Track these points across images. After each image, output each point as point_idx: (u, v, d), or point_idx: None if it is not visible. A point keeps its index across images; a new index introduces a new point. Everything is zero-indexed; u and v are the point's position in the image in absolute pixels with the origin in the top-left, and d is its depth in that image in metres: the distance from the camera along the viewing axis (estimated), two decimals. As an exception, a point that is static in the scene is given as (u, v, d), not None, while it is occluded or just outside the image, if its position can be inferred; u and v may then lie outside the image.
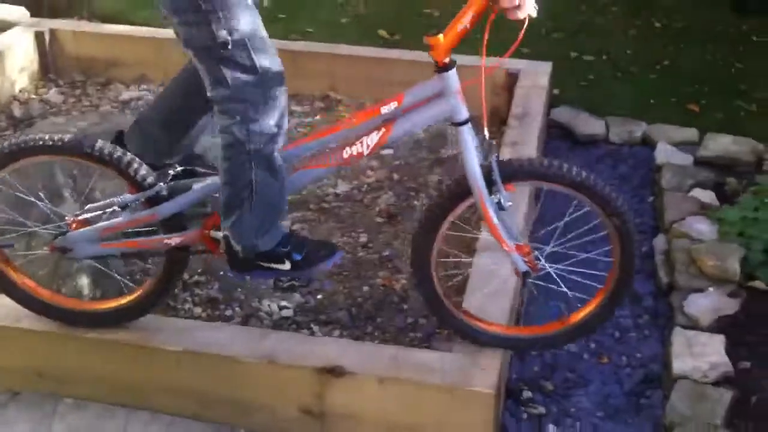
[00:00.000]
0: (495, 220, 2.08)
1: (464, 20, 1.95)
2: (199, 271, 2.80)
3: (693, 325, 2.57)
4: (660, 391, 2.44)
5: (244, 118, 1.96)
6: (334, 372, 2.14)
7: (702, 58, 4.89)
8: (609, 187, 2.14)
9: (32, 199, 2.27)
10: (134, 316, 2.30)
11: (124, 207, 2.12)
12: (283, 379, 2.19)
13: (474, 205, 2.12)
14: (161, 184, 2.11)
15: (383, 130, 2.08)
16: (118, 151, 2.09)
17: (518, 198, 2.61)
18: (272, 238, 2.11)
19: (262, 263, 2.14)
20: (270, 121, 1.98)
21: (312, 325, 2.60)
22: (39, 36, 4.17)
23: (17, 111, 3.85)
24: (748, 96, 4.45)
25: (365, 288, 2.79)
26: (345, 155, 2.10)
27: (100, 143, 2.10)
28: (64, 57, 4.24)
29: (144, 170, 2.11)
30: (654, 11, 5.45)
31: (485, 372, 2.12)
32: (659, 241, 3.01)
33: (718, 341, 2.49)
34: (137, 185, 2.11)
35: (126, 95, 4.09)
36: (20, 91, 4.03)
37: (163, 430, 2.27)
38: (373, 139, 2.08)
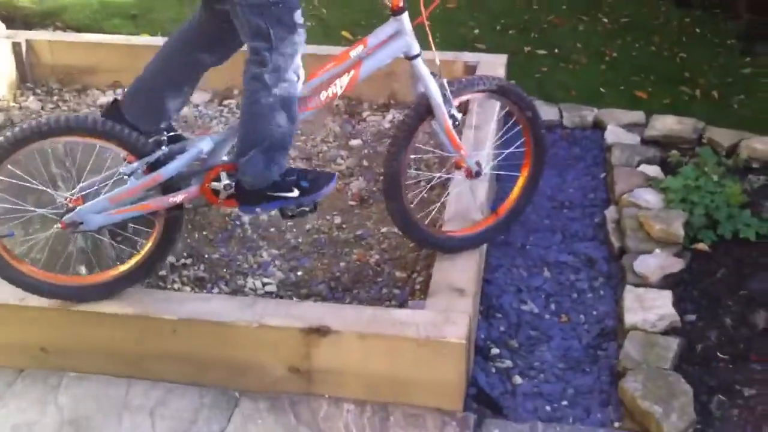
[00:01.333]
0: (452, 129, 2.54)
1: None
2: (185, 254, 2.99)
3: (642, 282, 2.82)
4: (615, 344, 2.67)
5: (276, 67, 2.26)
6: (320, 331, 2.35)
7: (647, 50, 5.18)
8: (522, 90, 2.73)
9: (36, 184, 2.45)
10: (139, 279, 2.53)
11: (130, 174, 2.32)
12: (273, 341, 2.39)
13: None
14: (163, 148, 2.35)
15: (353, 71, 2.46)
16: (117, 125, 2.32)
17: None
18: (280, 169, 2.41)
19: (272, 194, 2.45)
20: (293, 72, 2.30)
21: (294, 298, 2.80)
22: (16, 46, 4.30)
23: (-3, 118, 3.99)
24: (693, 82, 4.74)
25: (342, 264, 3.00)
26: (322, 98, 2.47)
27: (102, 120, 2.32)
28: (41, 66, 4.37)
29: (142, 139, 2.35)
30: (600, 8, 5.75)
31: (456, 324, 2.34)
32: (610, 212, 3.26)
33: (666, 296, 2.74)
34: (138, 153, 2.33)
35: (103, 100, 4.23)
36: (-1, 99, 4.17)
37: (163, 395, 2.45)
38: (344, 80, 2.46)
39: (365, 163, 3.62)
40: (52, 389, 2.47)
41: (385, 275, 2.93)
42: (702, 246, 3.04)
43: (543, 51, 4.99)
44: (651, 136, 3.79)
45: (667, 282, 2.82)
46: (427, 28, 2.47)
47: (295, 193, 2.47)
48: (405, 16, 2.44)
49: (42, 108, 4.15)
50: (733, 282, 2.90)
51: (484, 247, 2.89)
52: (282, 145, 2.39)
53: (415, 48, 2.48)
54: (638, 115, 4.03)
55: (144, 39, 4.55)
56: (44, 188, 2.46)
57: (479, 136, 3.16)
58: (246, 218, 3.22)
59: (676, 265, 2.88)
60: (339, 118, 3.97)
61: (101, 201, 2.36)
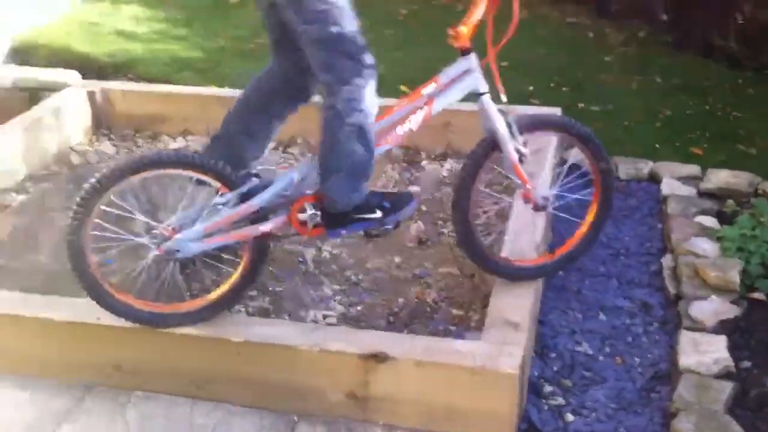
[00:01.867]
0: (518, 163, 2.67)
1: (477, 14, 2.54)
2: (249, 287, 3.11)
3: (698, 327, 2.84)
4: (668, 387, 2.68)
5: (347, 98, 2.43)
6: (378, 357, 2.42)
7: (701, 109, 5.24)
8: (595, 136, 2.86)
9: (136, 214, 2.61)
10: (226, 306, 2.67)
11: (225, 204, 2.49)
12: (332, 365, 2.46)
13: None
14: (254, 180, 2.55)
15: (425, 107, 2.64)
16: (214, 160, 2.50)
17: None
18: (361, 195, 2.57)
19: (356, 216, 2.61)
20: (364, 103, 2.44)
21: (353, 330, 2.89)
22: (91, 95, 4.54)
23: (75, 159, 4.19)
24: (748, 140, 4.78)
25: (400, 300, 3.08)
26: (399, 133, 2.65)
27: (200, 154, 2.53)
28: (115, 114, 4.59)
29: (235, 173, 2.53)
30: (652, 69, 5.85)
31: (510, 356, 2.39)
32: (667, 260, 3.30)
33: (721, 341, 2.75)
34: (231, 185, 2.50)
35: (173, 145, 4.44)
36: (76, 144, 4.38)
37: (225, 416, 2.54)
38: (419, 116, 2.63)
39: (424, 207, 3.71)
40: (121, 406, 2.58)
41: (442, 312, 3.00)
42: (758, 295, 3.05)
43: (596, 107, 5.08)
44: (707, 189, 3.83)
45: (723, 328, 2.84)
46: (494, 68, 2.61)
47: (378, 214, 2.64)
48: (473, 55, 2.62)
49: (117, 152, 4.36)
50: (790, 331, 2.90)
51: (540, 285, 2.95)
52: (362, 172, 2.54)
53: (483, 85, 2.65)
54: (694, 169, 4.08)
55: (212, 90, 4.76)
56: (144, 218, 2.60)
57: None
58: (309, 255, 3.33)
59: (732, 311, 2.90)
60: (398, 166, 4.09)
61: (197, 230, 2.51)
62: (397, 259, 3.34)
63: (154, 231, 2.53)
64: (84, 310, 2.60)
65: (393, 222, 2.68)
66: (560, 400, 2.63)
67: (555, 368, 2.78)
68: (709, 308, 2.89)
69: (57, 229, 3.38)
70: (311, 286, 3.16)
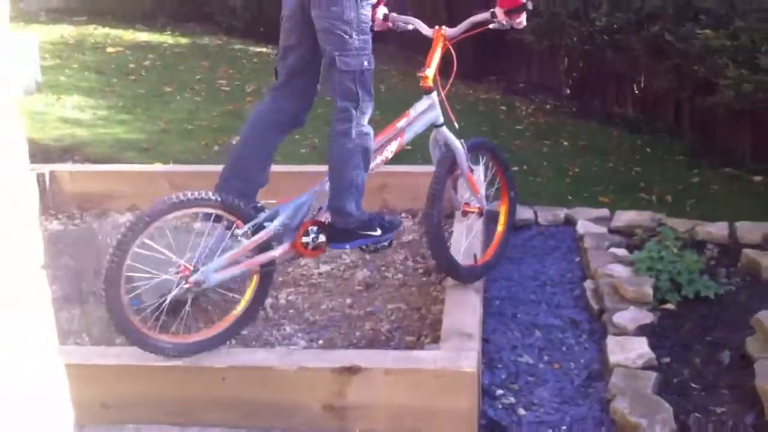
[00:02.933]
0: (471, 175, 3.38)
1: (435, 59, 3.17)
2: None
3: (621, 332, 3.25)
4: (602, 383, 3.06)
5: (359, 123, 2.86)
6: (351, 370, 2.73)
7: (606, 167, 5.84)
8: (510, 167, 3.72)
9: (166, 254, 2.79)
10: (239, 330, 2.97)
11: (242, 235, 2.80)
12: (310, 381, 2.75)
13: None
14: (265, 211, 2.86)
15: (399, 138, 3.15)
16: (232, 198, 2.81)
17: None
18: (364, 212, 3.00)
19: (360, 232, 2.99)
20: (368, 127, 2.92)
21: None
22: (40, 177, 4.76)
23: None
24: (649, 190, 5.36)
25: (357, 333, 3.39)
26: (378, 161, 3.09)
27: (221, 194, 2.80)
28: (63, 194, 4.80)
29: (248, 207, 2.85)
30: (560, 134, 6.46)
31: (467, 359, 2.73)
32: (588, 283, 3.73)
33: (642, 341, 3.17)
34: (245, 218, 2.81)
35: (122, 220, 4.69)
36: (25, 224, 4.59)
37: (212, 438, 2.78)
38: (393, 146, 3.13)
39: (367, 257, 4.07)
40: (113, 439, 2.79)
41: (396, 340, 3.32)
42: (669, 306, 3.49)
43: (513, 167, 5.57)
44: (616, 227, 4.32)
45: (642, 331, 3.26)
46: (446, 104, 3.26)
47: (378, 231, 3.03)
48: (434, 94, 3.19)
49: (64, 229, 4.56)
50: (699, 332, 3.34)
51: (481, 301, 3.34)
52: (361, 190, 2.94)
53: (441, 118, 3.25)
54: (604, 212, 4.58)
55: (156, 167, 5.06)
56: (174, 256, 2.80)
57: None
58: (267, 302, 3.63)
59: (649, 318, 3.33)
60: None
61: (220, 260, 2.78)
62: (348, 301, 3.67)
63: (179, 266, 2.75)
64: (75, 352, 2.83)
65: (388, 240, 3.08)
66: (512, 399, 2.98)
67: (503, 376, 3.13)
68: (629, 316, 3.32)
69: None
70: (273, 328, 3.45)
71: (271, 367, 2.77)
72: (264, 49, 8.66)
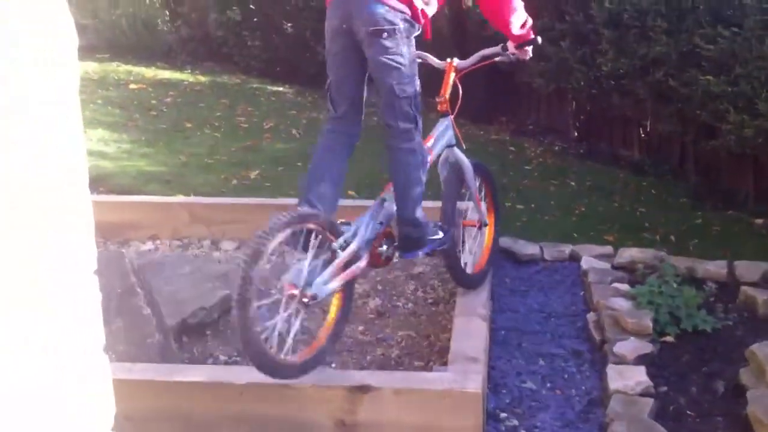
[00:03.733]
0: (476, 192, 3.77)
1: (449, 87, 3.59)
2: (235, 353, 3.55)
3: (621, 361, 3.40)
4: (602, 409, 3.21)
5: (418, 141, 3.24)
6: (362, 389, 2.89)
7: (611, 207, 5.99)
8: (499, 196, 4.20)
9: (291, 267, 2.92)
10: (333, 345, 3.13)
11: (339, 248, 3.01)
12: (324, 398, 2.91)
13: None
14: (349, 227, 3.10)
15: (429, 155, 3.43)
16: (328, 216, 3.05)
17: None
18: (426, 220, 3.31)
19: (429, 238, 3.31)
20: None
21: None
22: (65, 207, 4.98)
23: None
24: (653, 230, 5.50)
25: (368, 357, 3.56)
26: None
27: (322, 212, 3.01)
28: (87, 223, 5.03)
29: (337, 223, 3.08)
30: (567, 175, 6.64)
31: (473, 380, 2.89)
32: (591, 316, 3.88)
33: (641, 370, 3.32)
34: (336, 233, 3.02)
35: (143, 248, 4.89)
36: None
37: (230, 451, 2.93)
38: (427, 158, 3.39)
39: (379, 287, 4.24)
40: (135, 450, 2.94)
41: (406, 364, 3.48)
42: (668, 338, 3.64)
43: (521, 206, 5.77)
44: (619, 263, 4.48)
45: (642, 361, 3.40)
46: (455, 127, 3.68)
47: (440, 234, 3.38)
48: (450, 117, 3.63)
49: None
50: (696, 363, 3.49)
51: (487, 329, 3.50)
52: (422, 199, 3.25)
53: (454, 139, 3.65)
54: (608, 249, 4.73)
55: (177, 198, 5.26)
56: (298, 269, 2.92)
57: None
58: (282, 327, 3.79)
59: (648, 348, 3.48)
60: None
61: (326, 275, 2.96)
62: (361, 327, 3.84)
63: (281, 287, 2.88)
64: (105, 363, 2.99)
65: (448, 241, 3.43)
66: (515, 422, 3.12)
67: (507, 401, 3.28)
68: (630, 346, 3.47)
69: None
70: (288, 352, 3.61)
71: (287, 385, 2.93)
72: (281, 89, 8.91)
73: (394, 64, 3.07)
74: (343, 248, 3.03)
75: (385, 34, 3.01)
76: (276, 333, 2.82)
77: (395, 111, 3.15)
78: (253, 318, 2.71)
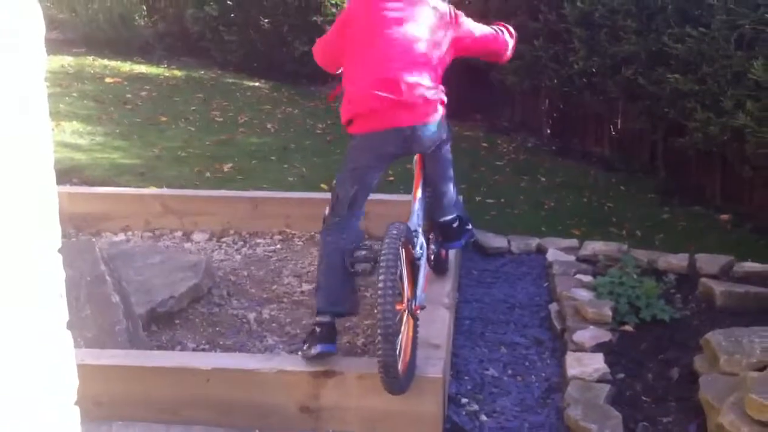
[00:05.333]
0: None
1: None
2: (203, 341, 3.61)
3: (580, 349, 3.49)
4: (560, 394, 3.30)
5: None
6: (327, 374, 2.96)
7: (580, 202, 6.09)
8: None
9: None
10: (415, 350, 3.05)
11: (419, 258, 3.17)
12: (290, 383, 2.98)
13: None
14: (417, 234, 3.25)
15: None
16: None
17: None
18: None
19: (465, 228, 3.63)
20: None
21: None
22: (38, 197, 5.00)
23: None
24: (619, 225, 5.61)
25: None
26: None
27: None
28: (60, 214, 5.04)
29: None
30: (538, 171, 6.74)
31: (434, 366, 2.97)
32: (553, 306, 3.98)
33: (599, 357, 3.41)
34: (412, 244, 3.12)
35: (115, 239, 4.93)
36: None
37: (195, 435, 2.99)
38: None
39: (348, 278, 4.31)
40: (103, 433, 3.00)
41: (371, 352, 3.55)
42: (627, 327, 3.74)
43: (491, 200, 5.86)
44: (584, 256, 4.58)
45: (600, 348, 3.50)
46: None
47: (470, 225, 3.67)
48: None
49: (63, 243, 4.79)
50: (653, 352, 3.59)
51: (450, 317, 3.57)
52: None
53: None
54: (573, 242, 4.84)
55: (150, 190, 5.30)
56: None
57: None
58: (251, 317, 3.86)
59: (607, 336, 3.58)
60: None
61: (420, 285, 3.11)
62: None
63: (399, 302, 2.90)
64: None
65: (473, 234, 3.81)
66: (475, 407, 3.21)
67: (468, 387, 3.36)
68: (589, 335, 3.56)
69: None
70: (256, 340, 3.68)
71: (252, 370, 2.99)
72: (257, 84, 8.95)
73: (441, 142, 3.38)
74: (419, 258, 3.15)
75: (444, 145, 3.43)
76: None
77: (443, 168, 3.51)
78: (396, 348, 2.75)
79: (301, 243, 4.78)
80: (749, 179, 5.74)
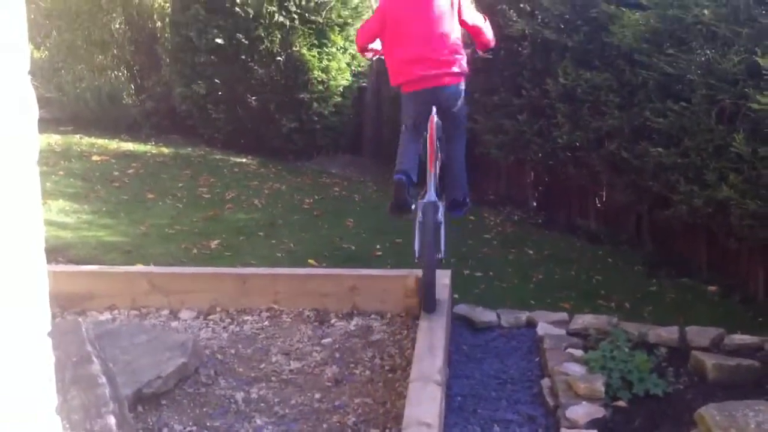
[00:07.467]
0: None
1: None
2: (190, 423, 3.54)
3: (573, 425, 3.44)
4: (556, 473, 3.25)
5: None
6: (316, 455, 2.89)
7: (568, 275, 6.10)
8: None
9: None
10: None
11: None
12: (278, 465, 2.91)
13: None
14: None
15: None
16: None
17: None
18: None
19: (467, 201, 4.88)
20: None
21: (288, 450, 3.34)
22: (23, 276, 4.96)
23: None
24: (608, 297, 5.62)
25: (324, 425, 3.56)
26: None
27: None
28: (45, 293, 5.01)
29: None
30: (525, 243, 6.76)
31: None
32: (545, 381, 3.93)
33: (593, 434, 3.36)
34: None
35: (101, 318, 4.86)
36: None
37: None
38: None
39: (337, 354, 4.26)
40: None
41: (362, 431, 3.49)
42: (621, 402, 3.70)
43: (479, 273, 5.86)
44: (574, 329, 4.56)
45: (594, 425, 3.46)
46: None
47: (468, 200, 4.88)
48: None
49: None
50: (648, 428, 3.54)
51: (442, 394, 3.52)
52: None
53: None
54: (563, 315, 4.82)
55: (136, 268, 5.26)
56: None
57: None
58: (239, 397, 3.80)
59: (600, 412, 3.53)
60: (311, 324, 4.66)
61: (443, 239, 4.54)
62: (317, 395, 3.84)
63: None
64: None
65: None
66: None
67: (467, 460, 3.30)
68: (582, 411, 3.52)
69: None
70: (245, 421, 3.61)
71: (240, 453, 2.93)
72: (244, 160, 9.01)
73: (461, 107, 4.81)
74: (441, 222, 4.39)
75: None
76: None
77: (458, 122, 4.83)
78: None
79: (289, 320, 4.73)
80: (735, 250, 5.78)
